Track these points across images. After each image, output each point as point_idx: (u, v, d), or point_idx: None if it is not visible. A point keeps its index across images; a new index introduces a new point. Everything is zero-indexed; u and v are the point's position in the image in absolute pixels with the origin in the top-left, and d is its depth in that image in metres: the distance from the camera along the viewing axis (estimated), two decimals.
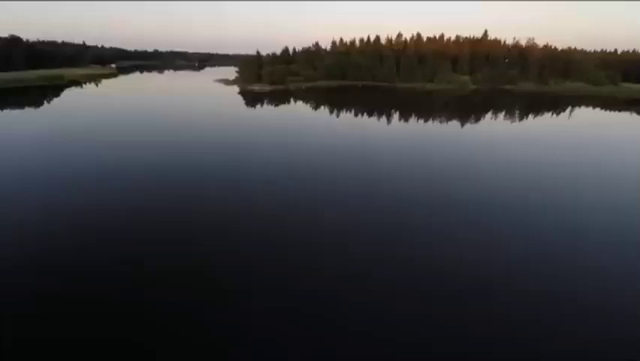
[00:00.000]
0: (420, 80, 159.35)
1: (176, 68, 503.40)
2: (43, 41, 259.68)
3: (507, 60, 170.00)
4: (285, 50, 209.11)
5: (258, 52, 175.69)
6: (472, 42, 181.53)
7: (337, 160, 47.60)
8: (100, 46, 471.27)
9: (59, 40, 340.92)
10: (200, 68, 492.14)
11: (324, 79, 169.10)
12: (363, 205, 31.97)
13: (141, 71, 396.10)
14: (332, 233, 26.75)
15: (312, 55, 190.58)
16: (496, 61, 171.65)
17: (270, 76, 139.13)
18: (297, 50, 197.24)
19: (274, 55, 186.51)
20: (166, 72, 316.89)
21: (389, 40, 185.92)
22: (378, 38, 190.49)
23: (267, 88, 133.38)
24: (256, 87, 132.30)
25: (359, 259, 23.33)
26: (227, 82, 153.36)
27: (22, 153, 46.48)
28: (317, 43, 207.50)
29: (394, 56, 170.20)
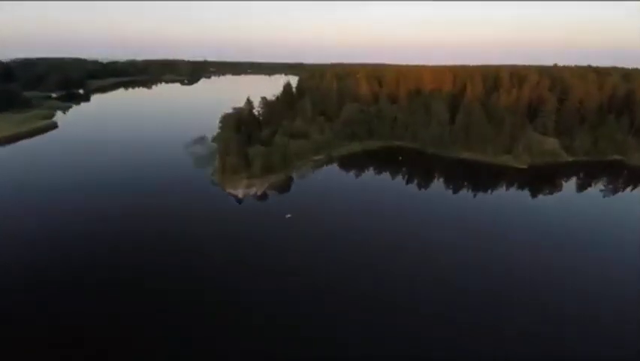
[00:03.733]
0: (490, 149, 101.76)
1: (167, 81, 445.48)
2: None
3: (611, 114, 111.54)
4: (288, 87, 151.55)
5: (248, 101, 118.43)
6: (552, 79, 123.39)
7: None
8: (87, 58, 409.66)
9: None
10: (191, 82, 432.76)
11: (342, 139, 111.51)
12: None
13: (126, 88, 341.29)
14: None
15: (322, 99, 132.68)
16: (593, 111, 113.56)
17: (263, 160, 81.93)
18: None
19: (265, 103, 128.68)
20: (142, 96, 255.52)
21: (436, 79, 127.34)
22: (418, 75, 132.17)
23: (259, 185, 76.60)
24: (240, 190, 74.74)
25: None
26: (197, 160, 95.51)
27: None
28: (324, 76, 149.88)
29: (447, 105, 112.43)
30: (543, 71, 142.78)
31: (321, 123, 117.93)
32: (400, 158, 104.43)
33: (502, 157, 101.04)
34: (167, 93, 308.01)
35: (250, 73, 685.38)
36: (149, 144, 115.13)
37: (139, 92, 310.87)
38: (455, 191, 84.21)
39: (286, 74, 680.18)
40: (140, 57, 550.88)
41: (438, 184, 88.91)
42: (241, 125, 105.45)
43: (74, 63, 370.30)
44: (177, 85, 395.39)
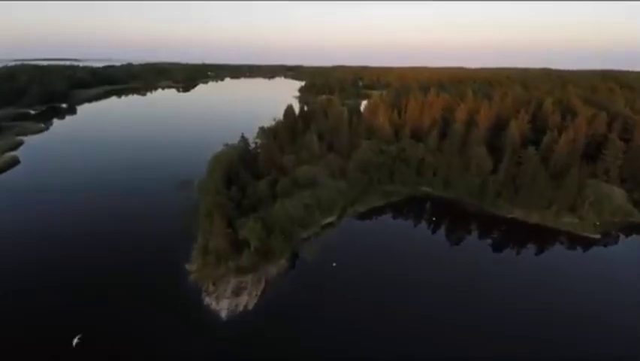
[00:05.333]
0: (545, 203, 78.62)
1: (162, 88, 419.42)
2: None
3: None
4: (290, 113, 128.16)
5: (243, 138, 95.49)
6: (610, 115, 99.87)
7: None
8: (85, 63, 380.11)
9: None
10: (187, 88, 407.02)
11: (357, 187, 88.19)
12: None
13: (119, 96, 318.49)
14: None
15: (331, 130, 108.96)
16: None
17: (258, 242, 58.70)
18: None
19: (264, 134, 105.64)
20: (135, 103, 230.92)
21: (469, 108, 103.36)
22: (446, 104, 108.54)
23: (252, 287, 53.29)
24: (224, 302, 50.13)
25: None
26: (171, 230, 71.82)
27: None
28: (331, 103, 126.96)
29: (486, 143, 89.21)
30: (592, 101, 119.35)
31: (332, 164, 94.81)
32: (434, 219, 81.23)
33: (565, 218, 77.94)
34: (159, 103, 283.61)
35: (249, 76, 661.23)
36: (123, 188, 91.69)
37: (130, 103, 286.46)
38: (520, 277, 61.25)
39: (286, 77, 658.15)
40: (139, 58, 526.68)
41: (493, 259, 65.96)
42: (232, 175, 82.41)
43: (62, 71, 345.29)
44: (172, 92, 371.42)
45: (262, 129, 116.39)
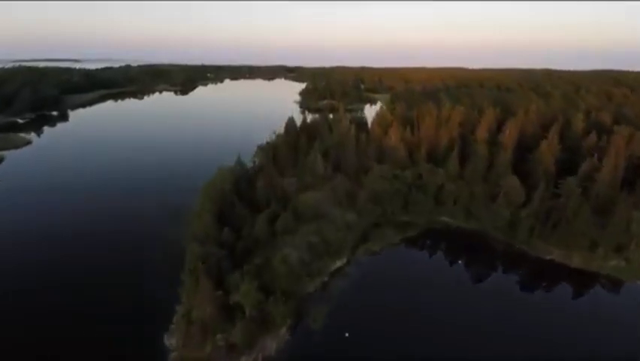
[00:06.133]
0: (588, 246, 67.05)
1: (160, 91, 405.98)
2: None
3: None
4: (291, 126, 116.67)
5: (239, 161, 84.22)
6: None
7: None
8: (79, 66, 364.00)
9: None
10: (186, 91, 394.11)
11: (368, 219, 76.78)
12: None
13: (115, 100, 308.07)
14: None
15: (337, 148, 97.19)
16: None
17: (254, 310, 47.31)
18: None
19: (263, 152, 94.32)
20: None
21: (490, 124, 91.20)
22: (466, 117, 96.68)
23: None
24: None
25: None
26: (149, 283, 60.19)
27: None
28: (339, 123, 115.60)
29: (514, 169, 77.41)
30: (619, 115, 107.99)
31: (338, 190, 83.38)
32: (461, 261, 69.85)
33: (611, 262, 66.51)
34: (155, 109, 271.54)
35: (249, 77, 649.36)
36: (105, 222, 79.94)
37: (125, 108, 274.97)
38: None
39: (286, 78, 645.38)
40: (139, 58, 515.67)
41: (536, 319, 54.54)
42: (225, 208, 70.96)
43: (58, 74, 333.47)
44: (170, 95, 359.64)
45: (260, 149, 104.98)
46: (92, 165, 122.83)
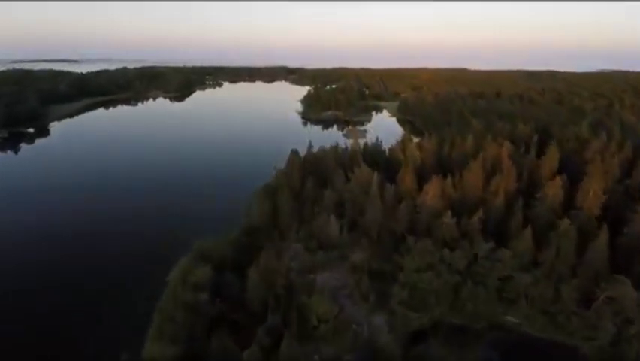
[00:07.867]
0: None
1: (154, 97, 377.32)
2: None
3: None
4: (296, 163, 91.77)
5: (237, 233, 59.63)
6: None
7: None
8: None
9: None
10: (182, 97, 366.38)
11: (409, 322, 52.60)
12: None
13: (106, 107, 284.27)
14: None
15: (353, 200, 71.93)
16: None
17: None
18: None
19: (264, 202, 70.19)
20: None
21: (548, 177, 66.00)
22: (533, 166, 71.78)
23: None
24: None
25: None
26: None
27: None
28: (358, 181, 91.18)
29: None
30: None
31: (362, 280, 58.81)
32: None
33: None
34: (147, 119, 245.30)
35: (248, 80, 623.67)
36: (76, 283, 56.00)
37: (114, 119, 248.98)
38: None
39: (286, 80, 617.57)
40: (139, 58, 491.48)
41: None
42: (197, 338, 46.48)
43: (43, 80, 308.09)
44: (167, 102, 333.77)
45: (259, 197, 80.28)
46: (58, 201, 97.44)
